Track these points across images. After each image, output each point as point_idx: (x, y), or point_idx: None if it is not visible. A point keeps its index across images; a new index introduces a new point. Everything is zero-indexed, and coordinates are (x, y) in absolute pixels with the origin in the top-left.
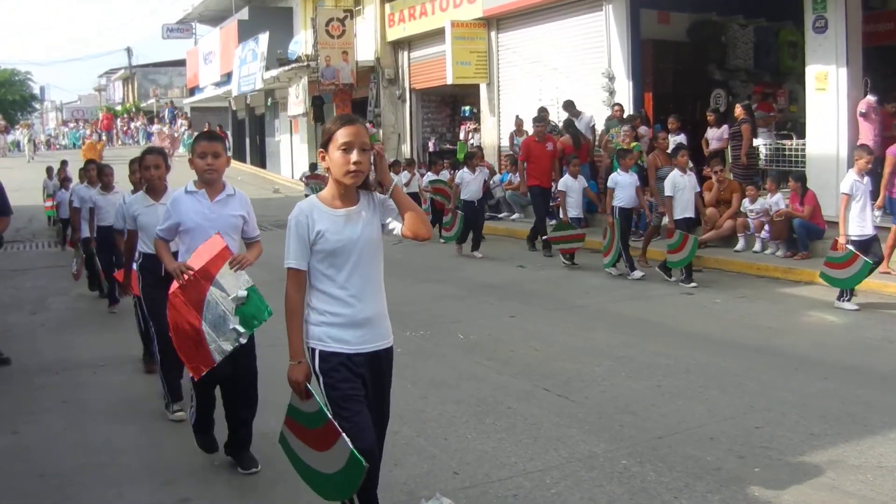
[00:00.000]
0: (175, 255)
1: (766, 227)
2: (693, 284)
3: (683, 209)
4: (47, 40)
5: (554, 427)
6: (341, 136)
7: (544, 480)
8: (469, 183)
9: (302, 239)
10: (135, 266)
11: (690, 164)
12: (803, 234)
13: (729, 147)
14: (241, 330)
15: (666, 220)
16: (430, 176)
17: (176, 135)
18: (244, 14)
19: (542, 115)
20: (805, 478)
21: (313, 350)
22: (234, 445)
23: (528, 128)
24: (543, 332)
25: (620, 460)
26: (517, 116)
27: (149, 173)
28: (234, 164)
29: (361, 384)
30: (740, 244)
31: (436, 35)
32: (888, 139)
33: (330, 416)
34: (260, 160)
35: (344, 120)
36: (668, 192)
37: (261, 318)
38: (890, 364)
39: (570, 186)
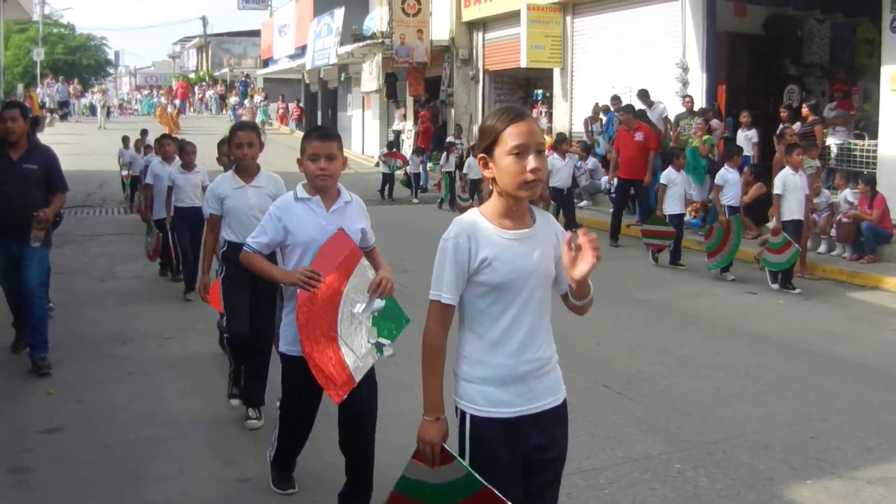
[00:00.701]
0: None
1: (834, 227)
2: (797, 290)
3: (793, 210)
4: (123, 6)
5: (612, 425)
6: (512, 136)
7: (598, 480)
8: (560, 170)
9: (460, 267)
10: (215, 268)
11: (813, 163)
12: (871, 237)
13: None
14: (385, 342)
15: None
16: None
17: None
18: None
19: (628, 105)
20: (856, 493)
21: (463, 413)
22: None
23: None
24: (607, 327)
25: (675, 464)
26: (596, 104)
27: (241, 151)
28: (298, 134)
29: (520, 461)
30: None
31: (511, 17)
32: None
33: (485, 482)
34: (303, 123)
35: (512, 115)
36: (777, 191)
37: (400, 328)
38: None
39: (673, 180)
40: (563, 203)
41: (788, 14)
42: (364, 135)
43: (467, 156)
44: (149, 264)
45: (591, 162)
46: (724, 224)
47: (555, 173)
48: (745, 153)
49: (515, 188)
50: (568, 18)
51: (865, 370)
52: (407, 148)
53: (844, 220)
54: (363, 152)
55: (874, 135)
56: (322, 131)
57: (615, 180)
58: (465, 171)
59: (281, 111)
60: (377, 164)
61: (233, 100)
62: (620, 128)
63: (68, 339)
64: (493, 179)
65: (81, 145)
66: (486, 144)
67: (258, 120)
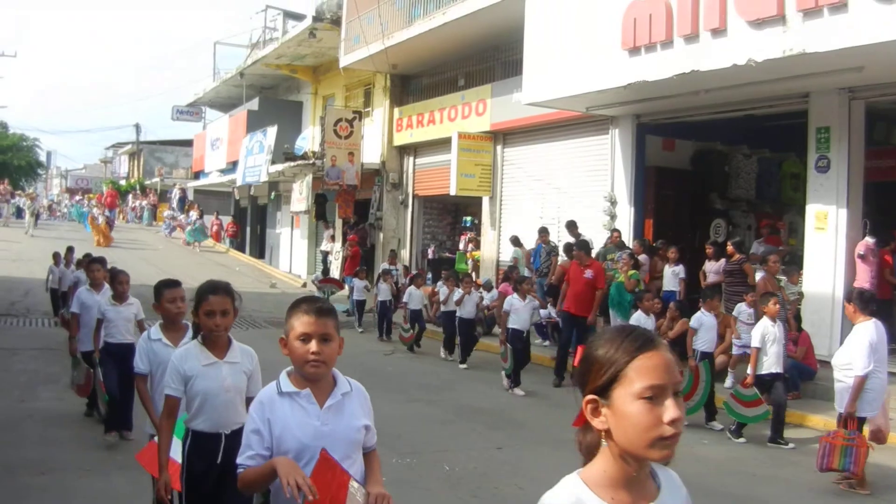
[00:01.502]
0: None
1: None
2: (791, 445)
3: (771, 363)
4: (56, 108)
5: None
6: (642, 373)
7: None
8: (519, 310)
9: None
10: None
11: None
12: (795, 374)
13: (724, 282)
14: None
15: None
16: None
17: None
18: (254, 104)
19: (582, 241)
20: None
21: None
22: None
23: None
24: (529, 468)
25: None
26: (543, 227)
27: (212, 321)
28: (233, 253)
29: None
30: (728, 381)
31: (442, 144)
32: (884, 282)
33: None
34: (259, 251)
35: (639, 341)
36: (755, 343)
37: None
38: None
39: (771, 333)
40: (524, 345)
41: (716, 149)
42: (293, 253)
43: (408, 283)
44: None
45: (493, 294)
46: (692, 369)
47: (513, 313)
48: (672, 288)
49: (646, 446)
50: (498, 147)
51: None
52: (335, 269)
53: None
54: (290, 271)
55: (800, 267)
56: (316, 304)
57: (556, 314)
58: (405, 299)
59: (215, 227)
60: (304, 286)
61: (167, 213)
62: (572, 262)
63: None
64: (608, 433)
65: (7, 251)
66: (601, 383)
67: (190, 238)
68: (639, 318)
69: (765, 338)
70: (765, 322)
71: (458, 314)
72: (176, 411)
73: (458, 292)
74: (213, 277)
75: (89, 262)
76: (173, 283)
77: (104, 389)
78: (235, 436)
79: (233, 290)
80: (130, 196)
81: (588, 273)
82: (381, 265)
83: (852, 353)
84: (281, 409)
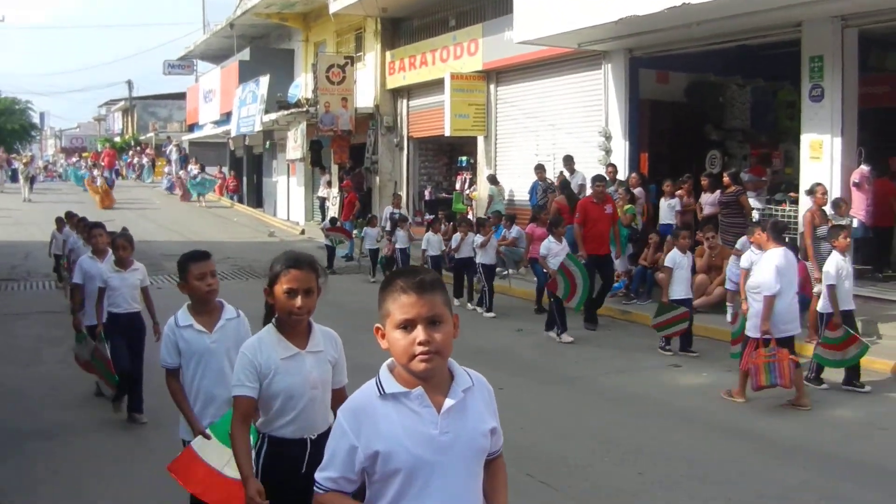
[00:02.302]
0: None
1: None
2: (867, 389)
3: (846, 300)
4: (47, 69)
5: None
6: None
7: None
8: (558, 255)
9: None
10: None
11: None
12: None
13: (720, 214)
14: None
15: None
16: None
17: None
18: (245, 55)
19: (603, 175)
20: None
21: None
22: None
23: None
24: (531, 409)
25: None
26: (539, 164)
27: (293, 303)
28: (239, 207)
29: None
30: (730, 314)
31: (435, 85)
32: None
33: None
34: (256, 200)
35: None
36: (830, 281)
37: None
38: (871, 453)
39: (679, 262)
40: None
41: (709, 80)
42: (290, 201)
43: (426, 228)
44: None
45: (515, 230)
46: (745, 313)
47: (550, 258)
48: (668, 221)
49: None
50: (492, 87)
51: (786, 448)
52: (333, 215)
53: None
54: (288, 218)
55: (795, 200)
56: (415, 278)
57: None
58: (423, 246)
59: (219, 180)
60: (302, 232)
61: (166, 168)
62: (587, 199)
63: None
64: None
65: (7, 217)
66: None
67: (195, 193)
68: (674, 257)
69: (840, 273)
70: (836, 257)
71: (478, 260)
72: (251, 415)
73: (456, 238)
74: (213, 230)
75: (91, 227)
76: (201, 256)
77: (113, 369)
78: (323, 440)
79: (318, 265)
80: (131, 152)
81: (608, 208)
82: (387, 209)
83: (761, 277)
84: (385, 418)
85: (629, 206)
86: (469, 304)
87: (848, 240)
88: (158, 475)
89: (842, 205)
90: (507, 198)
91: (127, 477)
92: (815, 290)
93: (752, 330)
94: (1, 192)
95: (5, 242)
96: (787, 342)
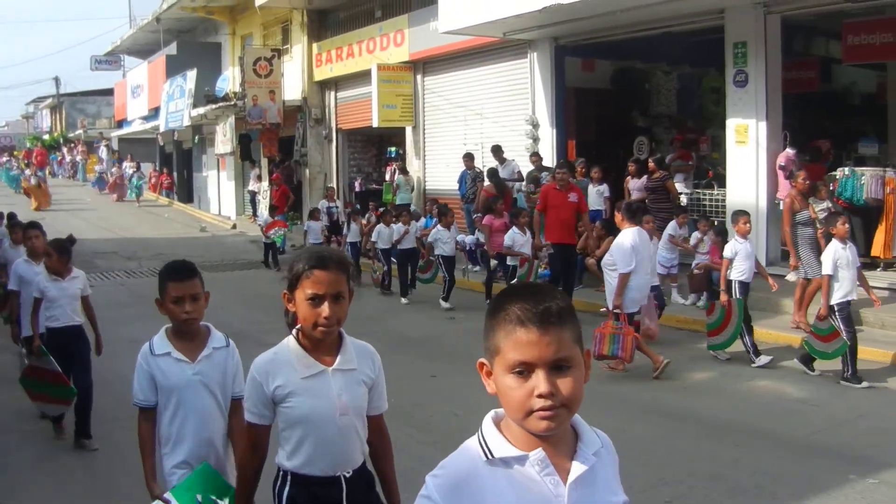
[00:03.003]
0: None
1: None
2: (865, 384)
3: (847, 290)
4: None
5: None
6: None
7: None
8: (523, 246)
9: None
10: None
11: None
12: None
13: (647, 199)
14: None
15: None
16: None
17: (124, 178)
18: (172, 49)
19: (566, 162)
20: None
21: None
22: None
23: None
24: (464, 395)
25: None
26: (467, 153)
27: (319, 312)
28: (178, 206)
29: None
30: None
31: (362, 76)
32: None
33: None
34: (187, 195)
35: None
36: (827, 271)
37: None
38: (804, 429)
39: (843, 257)
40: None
41: (636, 67)
42: (220, 196)
43: (376, 221)
44: (3, 347)
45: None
46: (724, 304)
47: (516, 248)
48: (597, 207)
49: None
50: (419, 77)
51: (719, 426)
52: (263, 209)
53: (696, 270)
54: (220, 213)
55: (724, 182)
56: (537, 307)
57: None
58: (373, 238)
59: (153, 179)
60: (234, 227)
61: (98, 167)
62: (548, 186)
63: None
64: None
65: None
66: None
67: (132, 194)
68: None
69: (836, 263)
70: (834, 245)
71: (438, 252)
72: (263, 446)
73: (398, 228)
74: (144, 226)
75: (27, 227)
76: (183, 273)
77: (66, 380)
78: (360, 477)
79: (349, 263)
80: (65, 149)
81: (572, 196)
82: (322, 202)
83: (615, 255)
84: (495, 492)
85: None
86: (403, 300)
87: (846, 226)
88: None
89: (821, 188)
90: (429, 187)
91: (66, 476)
92: (789, 276)
93: (609, 304)
94: None
95: None
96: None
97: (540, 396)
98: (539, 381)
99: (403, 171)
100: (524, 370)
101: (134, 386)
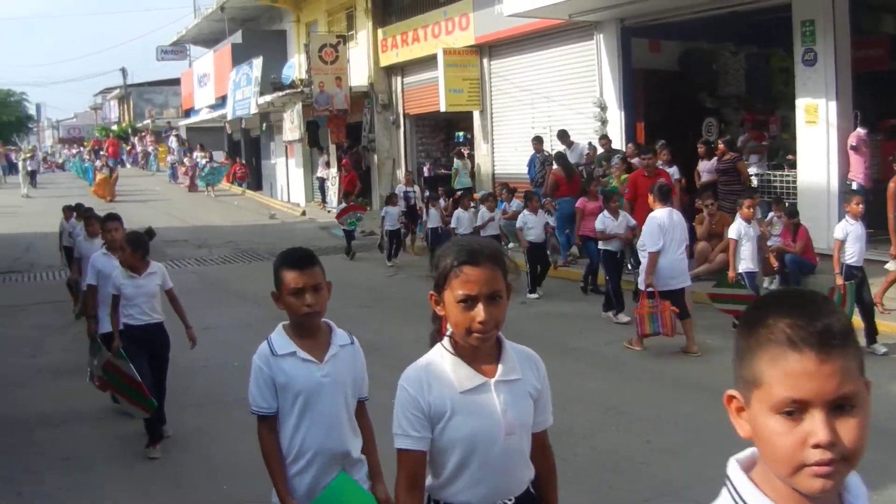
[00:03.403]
0: None
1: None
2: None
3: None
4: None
5: None
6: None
7: None
8: (615, 230)
9: None
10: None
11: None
12: (795, 269)
13: (718, 181)
14: None
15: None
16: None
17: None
18: (238, 37)
19: (653, 147)
20: None
21: None
22: None
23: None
24: None
25: None
26: (537, 136)
27: (473, 316)
28: (228, 186)
29: None
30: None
31: (428, 61)
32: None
33: None
34: (256, 183)
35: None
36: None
37: None
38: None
39: (746, 233)
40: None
41: (702, 48)
42: (289, 183)
43: (453, 206)
44: (80, 336)
45: (515, 204)
46: (840, 289)
47: (527, 230)
48: None
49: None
50: (485, 61)
51: None
52: (332, 195)
53: (768, 253)
54: (289, 200)
55: (793, 162)
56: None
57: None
58: (453, 224)
59: (227, 168)
60: (303, 213)
61: (170, 158)
62: (637, 174)
63: (0, 424)
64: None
65: (3, 206)
66: None
67: (203, 183)
68: (738, 228)
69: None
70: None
71: (529, 239)
72: (422, 476)
73: (483, 213)
74: (213, 215)
75: (105, 220)
76: (302, 261)
77: (146, 391)
78: None
79: (503, 255)
80: (135, 139)
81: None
82: (399, 187)
83: (644, 235)
84: None
85: (625, 175)
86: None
87: (859, 206)
88: (166, 459)
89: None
90: (498, 171)
91: (135, 462)
92: (889, 265)
93: (641, 284)
94: None
95: (6, 235)
96: (676, 295)
97: (816, 447)
98: (816, 425)
99: (460, 155)
100: (795, 410)
101: (251, 392)
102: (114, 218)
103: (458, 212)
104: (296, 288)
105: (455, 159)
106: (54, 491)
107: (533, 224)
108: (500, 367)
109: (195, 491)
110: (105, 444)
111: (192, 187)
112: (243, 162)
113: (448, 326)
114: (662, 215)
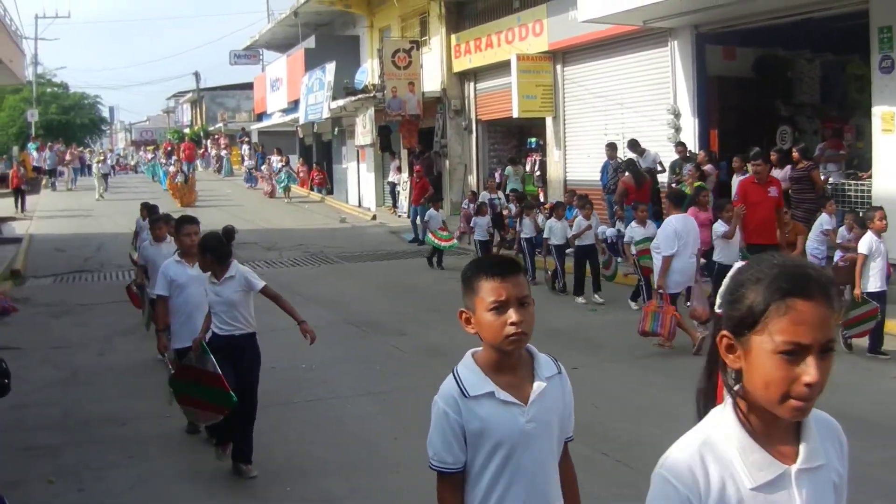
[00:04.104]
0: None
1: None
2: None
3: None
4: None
5: (613, 498)
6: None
7: None
8: (731, 243)
9: None
10: None
11: None
12: None
13: (791, 189)
14: None
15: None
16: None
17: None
18: (311, 42)
19: (758, 152)
20: None
21: None
22: None
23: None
24: (606, 388)
25: None
26: (610, 143)
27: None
28: (299, 191)
29: None
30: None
31: (502, 67)
32: None
33: None
34: (327, 187)
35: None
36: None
37: None
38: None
39: (877, 249)
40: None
41: (778, 55)
42: (360, 187)
43: (548, 214)
44: (150, 335)
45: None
46: (858, 297)
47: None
48: None
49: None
50: (558, 67)
51: (863, 426)
52: (403, 200)
53: (841, 263)
54: (360, 205)
55: (868, 171)
56: None
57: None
58: (545, 234)
59: (301, 174)
60: (373, 218)
61: (248, 163)
62: (746, 181)
63: (67, 420)
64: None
65: (77, 205)
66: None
67: (281, 187)
68: (869, 243)
69: (871, 251)
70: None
71: (578, 243)
72: None
73: (579, 223)
74: (285, 218)
75: (179, 223)
76: (503, 267)
77: (226, 385)
78: None
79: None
80: (208, 142)
81: (772, 191)
82: (484, 194)
83: (659, 239)
84: None
85: (699, 182)
86: (596, 297)
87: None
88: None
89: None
90: (570, 178)
91: (198, 462)
92: None
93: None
94: (71, 191)
95: (78, 235)
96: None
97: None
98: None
99: (513, 161)
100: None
101: (432, 442)
102: (190, 221)
103: (551, 222)
104: (497, 301)
105: (508, 166)
106: (116, 488)
107: (557, 230)
108: (802, 446)
109: (259, 491)
110: (170, 444)
111: (272, 193)
112: (314, 166)
113: (726, 390)
114: (678, 221)
